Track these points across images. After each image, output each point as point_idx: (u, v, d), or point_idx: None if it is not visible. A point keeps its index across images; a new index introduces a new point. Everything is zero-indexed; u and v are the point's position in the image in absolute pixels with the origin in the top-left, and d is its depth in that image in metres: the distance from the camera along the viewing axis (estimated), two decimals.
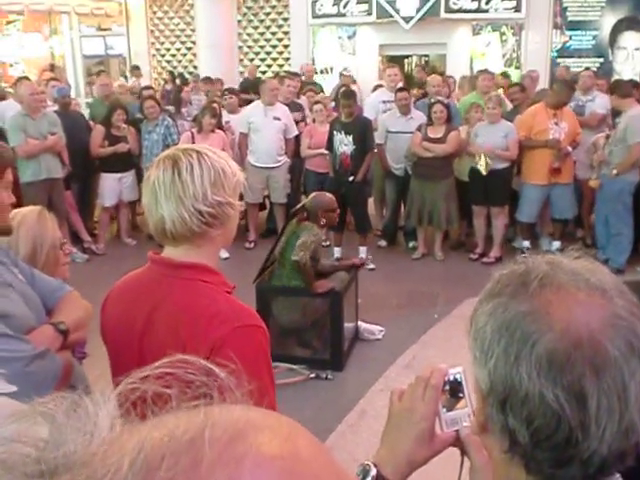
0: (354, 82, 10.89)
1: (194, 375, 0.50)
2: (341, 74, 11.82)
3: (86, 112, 9.34)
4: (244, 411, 0.46)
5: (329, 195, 5.35)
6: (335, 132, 7.06)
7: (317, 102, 8.31)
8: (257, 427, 0.44)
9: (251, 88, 10.34)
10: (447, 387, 1.08)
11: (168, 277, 1.68)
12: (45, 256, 2.41)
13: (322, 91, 9.94)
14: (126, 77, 13.43)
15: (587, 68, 9.98)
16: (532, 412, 0.78)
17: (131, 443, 0.42)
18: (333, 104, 8.68)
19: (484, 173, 6.95)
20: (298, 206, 5.49)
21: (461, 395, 1.09)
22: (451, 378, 1.08)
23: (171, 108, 8.75)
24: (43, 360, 1.81)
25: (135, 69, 13.81)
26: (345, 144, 7.01)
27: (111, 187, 7.70)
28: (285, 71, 11.80)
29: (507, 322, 0.81)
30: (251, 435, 0.42)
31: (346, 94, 7.34)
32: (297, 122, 8.08)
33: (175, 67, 14.87)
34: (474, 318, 0.86)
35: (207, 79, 10.42)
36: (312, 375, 4.84)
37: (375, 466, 1.06)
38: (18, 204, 2.37)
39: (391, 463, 1.06)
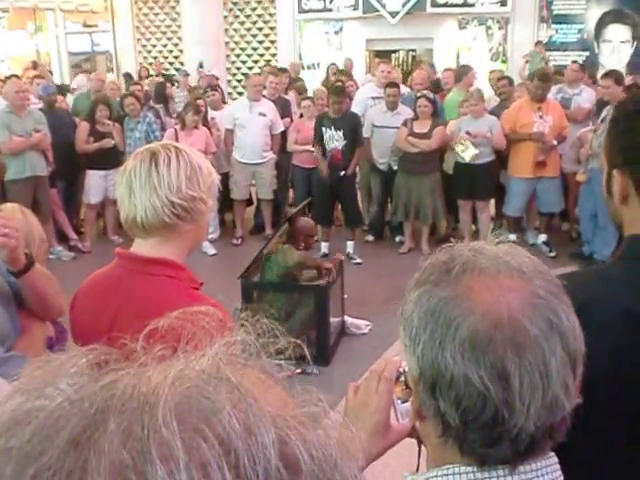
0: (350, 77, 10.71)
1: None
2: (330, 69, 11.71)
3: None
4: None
5: (311, 222, 5.75)
6: (324, 128, 7.05)
7: (305, 98, 8.30)
8: None
9: None
10: (402, 379, 1.08)
11: (134, 273, 1.68)
12: (37, 252, 2.42)
13: (305, 90, 9.86)
14: (130, 75, 13.29)
15: (574, 61, 10.02)
16: (459, 394, 0.80)
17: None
18: None
19: (467, 160, 6.94)
20: (295, 209, 5.77)
21: None
22: (406, 369, 1.07)
23: (158, 106, 8.71)
24: (6, 366, 1.81)
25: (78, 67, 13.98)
26: (336, 139, 7.01)
27: (97, 184, 7.66)
28: (275, 67, 11.74)
29: (432, 309, 0.83)
30: None
31: (337, 90, 7.33)
32: (282, 117, 8.06)
33: (162, 63, 14.81)
34: (403, 308, 0.88)
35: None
36: (298, 371, 4.84)
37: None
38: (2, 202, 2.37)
39: None
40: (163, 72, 13.67)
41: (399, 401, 1.10)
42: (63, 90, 10.05)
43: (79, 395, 0.43)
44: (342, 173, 7.03)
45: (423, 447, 1.02)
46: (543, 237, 7.37)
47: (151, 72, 13.62)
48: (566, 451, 0.89)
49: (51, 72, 13.26)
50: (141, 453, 0.39)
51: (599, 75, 7.97)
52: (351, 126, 7.02)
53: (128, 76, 12.37)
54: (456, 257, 0.86)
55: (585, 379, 0.87)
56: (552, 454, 0.86)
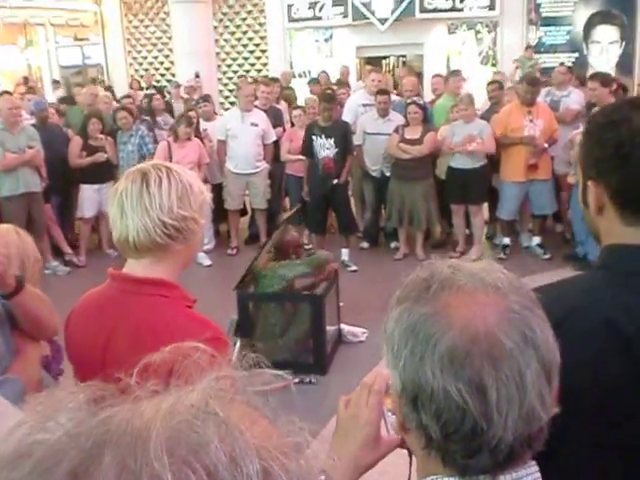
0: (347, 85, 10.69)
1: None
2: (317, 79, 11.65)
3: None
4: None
5: (295, 233, 5.80)
6: (314, 137, 7.07)
7: (295, 107, 8.32)
8: None
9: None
10: (392, 391, 1.10)
11: (127, 293, 1.69)
12: (31, 271, 2.42)
13: (295, 99, 9.88)
14: (111, 88, 13.20)
15: (562, 64, 10.06)
16: (439, 407, 0.82)
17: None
18: None
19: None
20: (287, 215, 5.76)
21: None
22: None
23: (149, 118, 8.72)
24: (2, 389, 1.81)
25: (55, 82, 13.87)
26: (327, 147, 7.03)
27: (90, 198, 7.67)
28: (264, 76, 11.78)
29: (412, 325, 0.86)
30: None
31: (327, 97, 7.35)
32: (275, 126, 8.08)
33: (153, 75, 14.84)
34: (385, 325, 0.91)
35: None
36: (296, 380, 4.85)
37: (323, 472, 1.09)
38: None
39: (338, 469, 1.10)
40: (154, 84, 13.68)
41: (389, 413, 1.12)
42: (68, 100, 9.99)
43: (77, 430, 0.46)
44: (335, 182, 7.06)
45: (414, 458, 1.04)
46: (537, 239, 7.40)
47: (142, 84, 13.64)
48: (551, 458, 0.91)
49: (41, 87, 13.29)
50: None
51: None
52: (342, 134, 7.06)
53: (109, 90, 12.31)
54: (435, 274, 0.89)
55: (568, 387, 0.90)
56: (533, 463, 0.89)
